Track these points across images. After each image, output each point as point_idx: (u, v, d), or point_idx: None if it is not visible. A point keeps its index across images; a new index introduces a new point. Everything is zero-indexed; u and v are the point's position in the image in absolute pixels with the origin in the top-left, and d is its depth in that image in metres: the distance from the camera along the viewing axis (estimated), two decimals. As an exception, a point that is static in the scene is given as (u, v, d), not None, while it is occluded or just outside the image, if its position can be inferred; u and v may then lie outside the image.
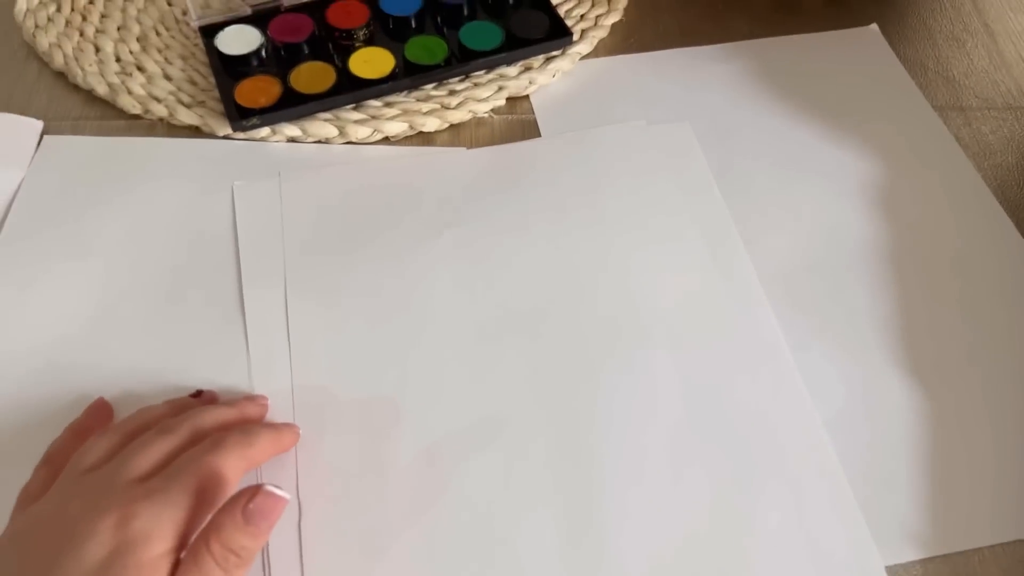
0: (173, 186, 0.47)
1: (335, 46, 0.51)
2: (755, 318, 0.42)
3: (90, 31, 0.53)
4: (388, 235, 0.45)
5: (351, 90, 0.49)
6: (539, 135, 0.50)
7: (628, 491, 0.37)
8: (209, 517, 0.31)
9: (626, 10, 0.57)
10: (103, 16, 0.53)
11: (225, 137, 0.49)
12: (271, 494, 0.31)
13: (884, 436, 0.39)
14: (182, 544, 0.31)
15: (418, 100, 0.50)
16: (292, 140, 0.49)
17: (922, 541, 0.36)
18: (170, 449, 0.33)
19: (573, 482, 0.37)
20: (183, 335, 0.41)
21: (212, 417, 0.36)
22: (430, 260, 0.44)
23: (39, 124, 0.49)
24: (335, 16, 0.51)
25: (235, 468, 0.33)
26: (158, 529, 0.30)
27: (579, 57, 0.54)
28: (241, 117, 0.47)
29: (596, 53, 0.55)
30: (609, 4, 0.56)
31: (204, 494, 0.31)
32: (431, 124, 0.49)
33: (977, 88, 0.53)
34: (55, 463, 0.35)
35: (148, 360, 0.40)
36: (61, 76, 0.52)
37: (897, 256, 0.45)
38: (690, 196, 0.47)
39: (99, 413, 0.38)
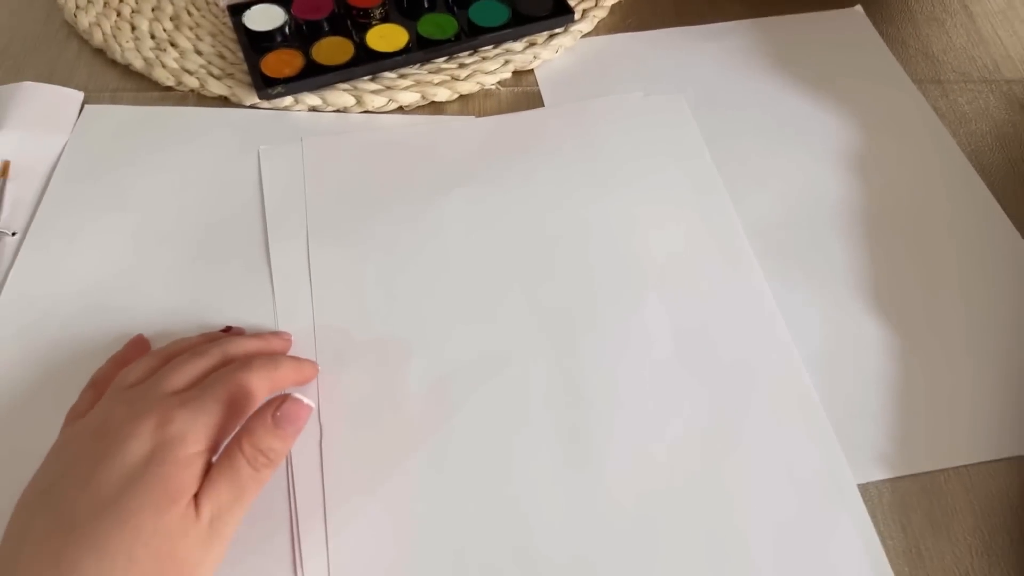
0: (204, 150, 0.51)
1: (353, 23, 0.54)
2: (741, 266, 0.46)
3: (127, 11, 0.57)
4: (403, 192, 0.49)
5: (368, 62, 0.52)
6: (543, 106, 0.54)
7: (620, 418, 0.40)
8: (237, 427, 0.35)
9: (625, -7, 0.61)
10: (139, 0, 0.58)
11: (251, 106, 0.53)
12: (298, 401, 0.34)
13: (857, 371, 0.42)
14: (214, 447, 0.34)
15: (430, 72, 0.54)
16: (313, 109, 0.52)
17: (891, 462, 0.39)
18: (203, 368, 0.37)
19: (570, 410, 0.41)
20: (214, 281, 0.45)
21: (241, 345, 0.39)
22: (441, 214, 0.48)
23: (80, 95, 0.53)
24: (353, -4, 0.55)
25: (261, 386, 0.36)
26: (192, 432, 0.33)
27: (580, 35, 0.57)
28: (266, 86, 0.51)
29: (596, 32, 0.58)
30: (609, -13, 0.60)
31: (233, 405, 0.35)
32: (442, 94, 0.53)
33: (955, 63, 0.57)
34: (99, 386, 0.38)
35: (182, 302, 0.44)
36: (100, 53, 0.56)
37: (874, 213, 0.48)
38: (682, 159, 0.51)
39: (138, 346, 0.42)
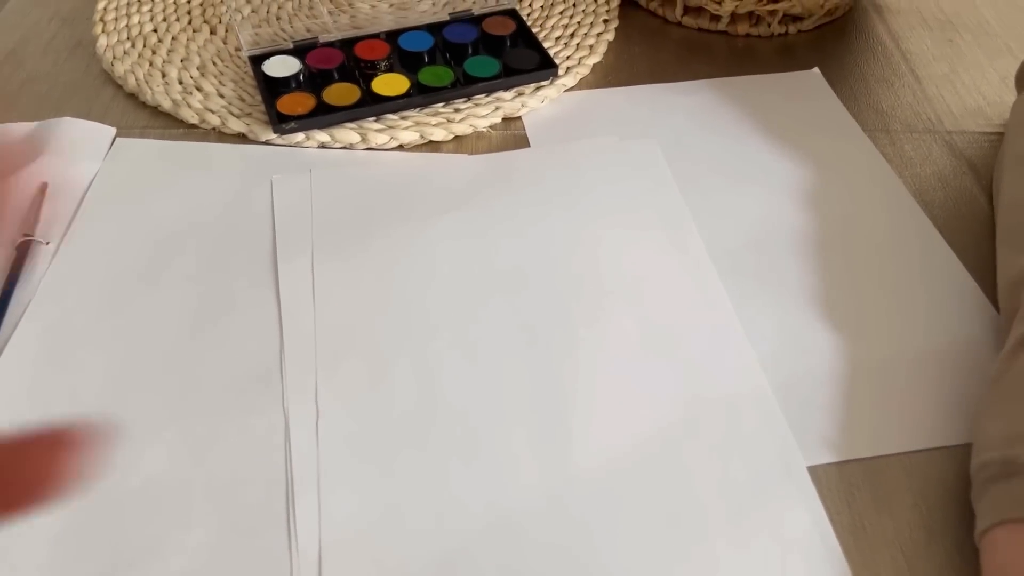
0: (223, 179, 0.56)
1: (360, 73, 0.61)
2: (703, 281, 0.51)
3: (159, 61, 0.64)
4: (399, 217, 0.54)
5: (373, 104, 0.59)
6: (529, 147, 0.60)
7: (591, 410, 0.44)
8: None
9: (605, 54, 0.67)
10: (170, 51, 0.64)
11: (266, 142, 0.58)
12: None
13: (808, 369, 0.46)
14: None
15: (428, 115, 0.60)
16: (322, 145, 0.58)
17: (837, 448, 0.43)
18: None
19: (545, 402, 0.45)
20: (225, 288, 0.50)
21: None
22: (434, 235, 0.53)
23: (112, 130, 0.59)
24: (362, 50, 0.62)
25: None
26: None
27: (564, 88, 0.64)
28: (281, 122, 0.57)
29: (579, 87, 0.65)
30: (591, 49, 0.67)
31: None
32: (438, 134, 0.59)
33: (902, 117, 0.63)
34: None
35: (195, 305, 0.49)
36: (132, 97, 0.62)
37: (825, 239, 0.53)
38: (653, 193, 0.56)
39: None
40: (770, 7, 0.66)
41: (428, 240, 0.52)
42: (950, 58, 0.69)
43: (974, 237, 0.54)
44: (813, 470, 0.42)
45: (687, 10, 0.69)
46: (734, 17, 0.68)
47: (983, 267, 0.51)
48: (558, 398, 0.45)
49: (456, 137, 0.60)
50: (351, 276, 0.50)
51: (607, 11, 0.71)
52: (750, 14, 0.68)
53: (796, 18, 0.69)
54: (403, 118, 0.60)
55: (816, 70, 0.67)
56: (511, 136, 0.61)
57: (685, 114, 0.63)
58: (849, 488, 0.42)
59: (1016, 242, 0.46)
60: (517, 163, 0.58)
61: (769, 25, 0.69)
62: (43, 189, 0.54)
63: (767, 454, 0.43)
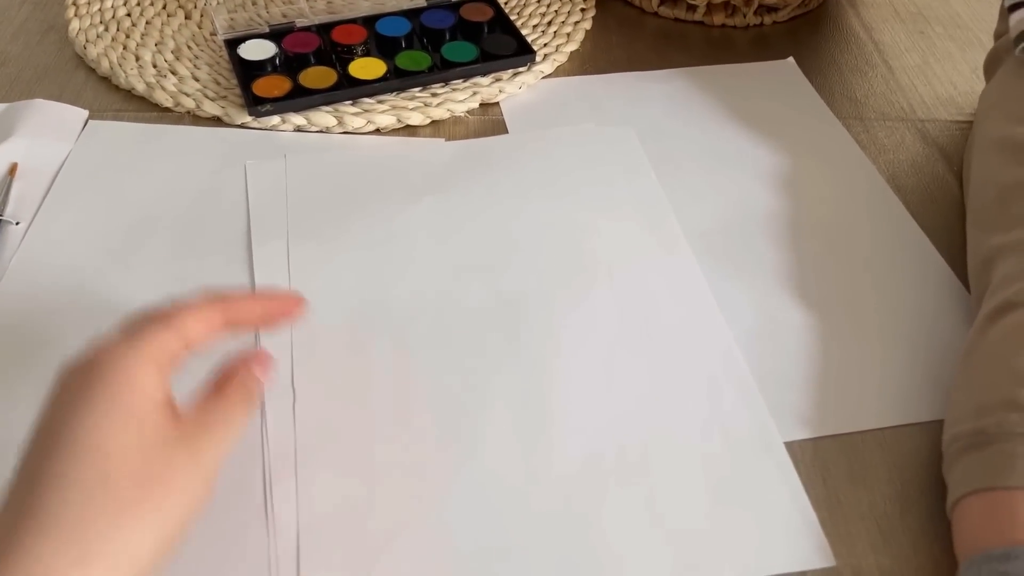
0: (197, 162, 0.56)
1: (337, 57, 0.61)
2: (680, 261, 0.51)
3: (132, 45, 0.63)
4: (377, 200, 0.54)
5: (349, 87, 0.58)
6: (509, 133, 0.59)
7: (572, 388, 0.44)
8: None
9: (583, 42, 0.68)
10: (144, 35, 0.64)
11: (242, 126, 0.58)
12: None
13: (782, 347, 0.47)
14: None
15: (405, 99, 0.60)
16: (298, 129, 0.58)
17: (813, 424, 0.43)
18: None
19: (524, 385, 0.44)
20: (199, 270, 0.49)
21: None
22: (411, 217, 0.52)
23: (85, 112, 0.58)
24: (339, 34, 0.62)
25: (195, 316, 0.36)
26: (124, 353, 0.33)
27: (541, 75, 0.64)
28: (256, 104, 0.57)
29: (556, 74, 0.65)
30: (568, 37, 0.67)
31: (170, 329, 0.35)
32: (416, 118, 0.59)
33: (875, 105, 0.64)
34: None
35: (170, 288, 0.48)
36: (105, 80, 0.61)
37: (800, 222, 0.54)
38: (630, 177, 0.56)
39: None
40: (745, -4, 0.67)
41: (406, 223, 0.52)
42: (922, 49, 0.70)
43: (945, 220, 0.54)
44: (789, 446, 0.42)
45: (663, 0, 0.70)
46: (710, 7, 0.69)
47: (954, 249, 0.52)
48: (537, 380, 0.44)
49: (433, 122, 0.60)
50: (327, 259, 0.50)
51: (584, 2, 0.71)
52: (726, 4, 0.68)
53: (771, 9, 0.70)
54: (380, 102, 0.59)
55: (791, 60, 0.67)
56: (489, 121, 0.60)
57: (661, 102, 0.63)
58: (824, 463, 0.42)
59: (984, 223, 0.47)
60: (495, 148, 0.58)
61: (744, 15, 0.70)
62: (12, 170, 0.53)
63: (745, 430, 0.43)
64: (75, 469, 0.30)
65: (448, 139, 0.59)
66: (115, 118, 0.59)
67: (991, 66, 0.59)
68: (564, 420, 0.43)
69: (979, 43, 0.71)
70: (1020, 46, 0.51)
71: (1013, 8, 0.51)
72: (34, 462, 0.31)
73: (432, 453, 0.41)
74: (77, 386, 0.32)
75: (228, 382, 0.36)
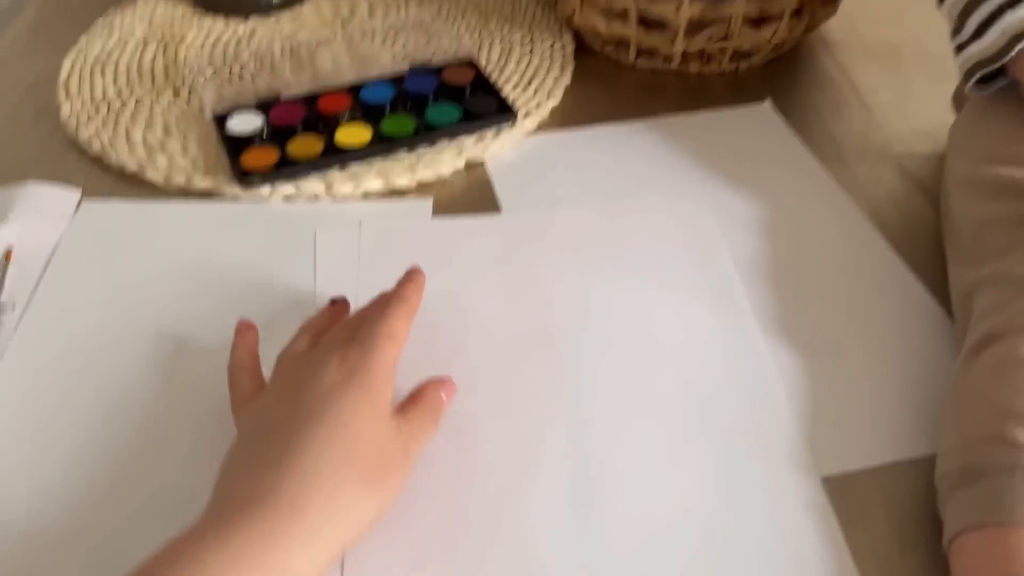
0: (188, 238, 0.56)
1: (324, 126, 0.62)
2: (750, 354, 0.49)
3: (123, 124, 0.64)
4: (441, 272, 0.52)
5: (336, 156, 0.60)
6: (495, 192, 0.60)
7: (628, 476, 0.43)
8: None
9: (563, 98, 0.69)
10: (134, 113, 0.65)
11: (234, 198, 0.59)
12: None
13: (771, 390, 0.47)
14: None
15: (392, 162, 0.61)
16: (288, 198, 0.59)
17: (807, 467, 0.43)
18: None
19: (582, 467, 0.44)
20: (197, 346, 0.50)
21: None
22: (473, 293, 0.53)
23: (77, 193, 0.59)
24: (324, 103, 0.63)
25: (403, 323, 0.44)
26: (373, 356, 0.40)
27: (524, 132, 0.65)
28: (244, 178, 0.58)
29: (539, 130, 0.66)
30: (549, 93, 0.69)
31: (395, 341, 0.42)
32: (403, 181, 0.60)
33: (853, 143, 0.65)
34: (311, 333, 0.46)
35: (163, 362, 0.49)
36: (97, 160, 0.63)
37: (783, 264, 0.54)
38: (704, 262, 0.55)
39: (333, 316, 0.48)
40: (719, 45, 0.69)
41: (467, 299, 0.52)
42: (896, 85, 0.71)
43: (929, 253, 0.55)
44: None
45: (640, 53, 0.72)
46: (685, 56, 0.71)
47: (938, 281, 0.53)
48: (596, 464, 0.44)
49: (420, 184, 0.61)
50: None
51: (563, 57, 0.73)
52: (700, 52, 0.70)
53: (745, 55, 0.71)
54: (368, 164, 0.60)
55: (768, 103, 0.69)
56: (475, 181, 0.62)
57: (642, 153, 0.64)
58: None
59: (962, 258, 0.48)
60: (557, 222, 0.58)
61: (720, 63, 0.71)
62: (8, 255, 0.54)
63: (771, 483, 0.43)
64: (330, 441, 0.37)
65: (436, 199, 0.60)
66: (108, 197, 0.60)
67: (958, 99, 0.60)
68: (620, 506, 0.42)
69: (951, 76, 0.72)
70: (968, 84, 0.52)
71: (959, 49, 0.52)
72: (289, 431, 0.37)
73: (482, 533, 0.41)
74: (337, 373, 0.39)
75: (421, 397, 0.43)
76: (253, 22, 0.75)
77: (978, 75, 0.51)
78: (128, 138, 0.63)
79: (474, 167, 0.63)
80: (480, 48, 0.73)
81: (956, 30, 0.52)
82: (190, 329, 0.51)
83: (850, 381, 0.48)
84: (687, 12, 0.65)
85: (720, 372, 0.48)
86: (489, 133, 0.64)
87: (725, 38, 0.68)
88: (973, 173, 0.50)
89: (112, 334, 0.50)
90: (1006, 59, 0.49)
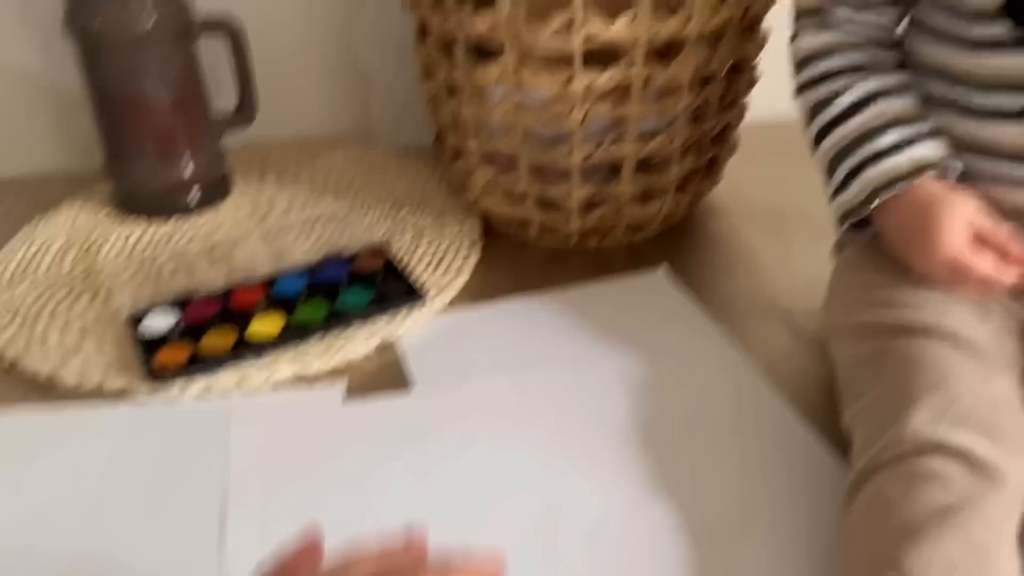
0: (99, 446, 0.57)
1: (238, 319, 0.64)
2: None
3: (39, 330, 0.66)
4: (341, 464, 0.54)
5: (249, 349, 0.61)
6: (408, 370, 0.63)
7: None
8: None
9: (472, 276, 0.73)
10: (51, 316, 0.67)
11: (145, 399, 0.60)
12: None
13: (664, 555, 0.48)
14: None
15: (305, 349, 0.63)
16: (200, 394, 0.60)
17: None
18: None
19: None
20: (110, 554, 0.49)
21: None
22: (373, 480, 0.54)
23: (-10, 404, 0.60)
24: (238, 298, 0.66)
25: None
26: None
27: (435, 311, 0.68)
28: (156, 377, 0.59)
29: (451, 306, 0.69)
30: (458, 271, 0.72)
31: None
32: (316, 366, 0.62)
33: (743, 302, 0.69)
34: None
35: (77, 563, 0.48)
36: (12, 367, 0.63)
37: (675, 425, 0.57)
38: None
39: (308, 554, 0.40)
40: (612, 221, 0.74)
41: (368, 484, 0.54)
42: (781, 244, 0.77)
43: (822, 403, 0.58)
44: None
45: (541, 231, 0.76)
46: (583, 233, 0.76)
47: (836, 431, 0.55)
48: None
49: (335, 368, 0.63)
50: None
51: (471, 238, 0.77)
52: (596, 228, 0.75)
53: (638, 228, 0.77)
54: (281, 353, 0.62)
55: (662, 270, 0.73)
56: (389, 361, 0.64)
57: (547, 324, 0.67)
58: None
59: (842, 399, 0.51)
60: (467, 396, 0.61)
61: (615, 237, 0.76)
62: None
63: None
64: None
65: (350, 382, 0.61)
66: (20, 404, 0.60)
67: (839, 245, 0.65)
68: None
69: (831, 233, 0.78)
70: (841, 228, 0.57)
71: (832, 197, 0.58)
72: None
73: None
74: None
75: None
76: (173, 223, 0.79)
77: (847, 223, 0.56)
78: (44, 342, 0.64)
79: (387, 347, 0.65)
80: (393, 234, 0.77)
81: (827, 179, 0.57)
82: (101, 539, 0.50)
83: (745, 541, 0.49)
84: (578, 194, 0.71)
85: (616, 544, 0.49)
86: (400, 313, 0.67)
87: (617, 215, 0.73)
88: (844, 320, 0.54)
89: (22, 551, 0.50)
90: (868, 210, 0.53)
